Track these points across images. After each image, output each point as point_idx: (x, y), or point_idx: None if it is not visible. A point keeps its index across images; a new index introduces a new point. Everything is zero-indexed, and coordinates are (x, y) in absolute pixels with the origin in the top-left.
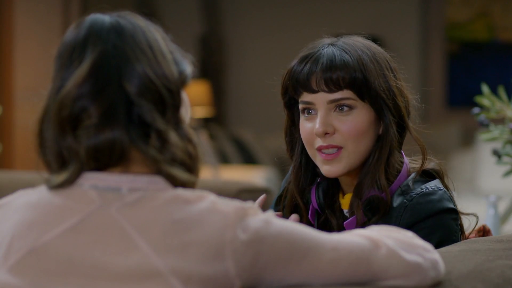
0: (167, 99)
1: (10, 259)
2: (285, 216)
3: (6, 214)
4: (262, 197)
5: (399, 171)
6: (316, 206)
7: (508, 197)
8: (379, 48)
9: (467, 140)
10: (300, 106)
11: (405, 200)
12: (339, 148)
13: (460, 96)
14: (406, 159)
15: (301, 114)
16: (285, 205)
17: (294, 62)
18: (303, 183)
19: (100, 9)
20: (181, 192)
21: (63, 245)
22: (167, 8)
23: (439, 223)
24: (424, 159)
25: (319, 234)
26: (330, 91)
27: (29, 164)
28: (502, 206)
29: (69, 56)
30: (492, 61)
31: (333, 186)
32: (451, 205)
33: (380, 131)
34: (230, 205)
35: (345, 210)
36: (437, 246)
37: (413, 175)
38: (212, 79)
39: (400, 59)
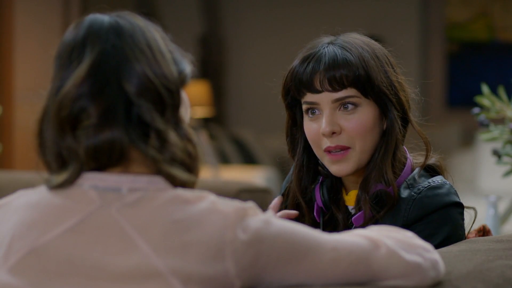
0: (166, 98)
1: (10, 259)
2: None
3: (6, 214)
4: (277, 199)
5: (404, 165)
6: (320, 204)
7: (508, 197)
8: (377, 44)
9: (467, 140)
10: (304, 106)
11: (412, 193)
12: (347, 148)
13: (460, 96)
14: (409, 154)
15: (304, 115)
16: (287, 204)
17: (296, 62)
18: (305, 183)
19: (100, 9)
20: (181, 192)
21: (63, 245)
22: (167, 8)
23: (446, 217)
24: (428, 151)
25: (319, 234)
26: (334, 90)
27: (29, 164)
28: (502, 206)
29: (68, 56)
30: (492, 61)
31: (336, 183)
32: (458, 199)
33: (385, 127)
34: (230, 205)
35: (350, 207)
36: (444, 240)
37: (417, 169)
38: (212, 79)
39: (400, 59)
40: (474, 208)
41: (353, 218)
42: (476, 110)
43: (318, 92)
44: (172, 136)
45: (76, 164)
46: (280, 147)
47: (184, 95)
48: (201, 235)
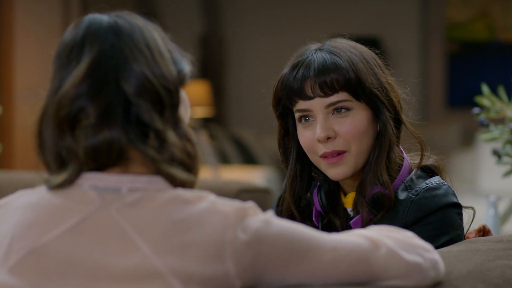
0: (165, 98)
1: (10, 259)
2: None
3: (6, 214)
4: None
5: (400, 167)
6: (319, 208)
7: (508, 197)
8: (364, 47)
9: (467, 140)
10: (297, 115)
11: (410, 195)
12: (343, 152)
13: (460, 96)
14: (406, 155)
15: (297, 123)
16: (282, 214)
17: (285, 71)
18: (298, 193)
19: (99, 9)
20: (181, 192)
21: (63, 246)
22: (167, 8)
23: (445, 218)
24: (423, 151)
25: (319, 234)
26: (326, 95)
27: (29, 164)
28: (502, 206)
29: (67, 56)
30: (492, 61)
31: (334, 187)
32: (456, 200)
33: (378, 128)
34: (230, 205)
35: (349, 209)
36: (443, 241)
37: (415, 170)
38: (212, 79)
39: (400, 59)
40: (472, 208)
41: (351, 221)
42: (476, 110)
43: (310, 98)
44: (171, 136)
45: (75, 164)
46: None
47: (184, 95)
48: (201, 235)
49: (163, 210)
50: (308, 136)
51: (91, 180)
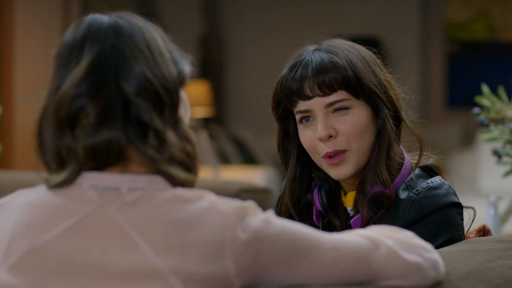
0: (165, 98)
1: (10, 259)
2: None
3: (5, 214)
4: None
5: (400, 165)
6: (319, 207)
7: (508, 197)
8: (361, 46)
9: (467, 140)
10: (297, 116)
11: (411, 194)
12: (344, 151)
13: (460, 96)
14: (406, 155)
15: (298, 124)
16: (281, 210)
17: (283, 72)
18: (297, 195)
19: (100, 9)
20: (180, 191)
21: (63, 245)
22: (167, 8)
23: (445, 217)
24: (421, 148)
25: (319, 234)
26: (325, 94)
27: (29, 164)
28: (502, 206)
29: (67, 56)
30: (492, 61)
31: (334, 186)
32: (457, 199)
33: (378, 126)
34: (230, 204)
35: (349, 208)
36: (443, 240)
37: (416, 169)
38: (212, 79)
39: (400, 59)
40: (473, 208)
41: (351, 220)
42: (476, 110)
43: (309, 98)
44: (171, 136)
45: (75, 163)
46: None
47: (184, 95)
48: (201, 235)
49: (162, 209)
50: (310, 135)
51: (90, 179)
